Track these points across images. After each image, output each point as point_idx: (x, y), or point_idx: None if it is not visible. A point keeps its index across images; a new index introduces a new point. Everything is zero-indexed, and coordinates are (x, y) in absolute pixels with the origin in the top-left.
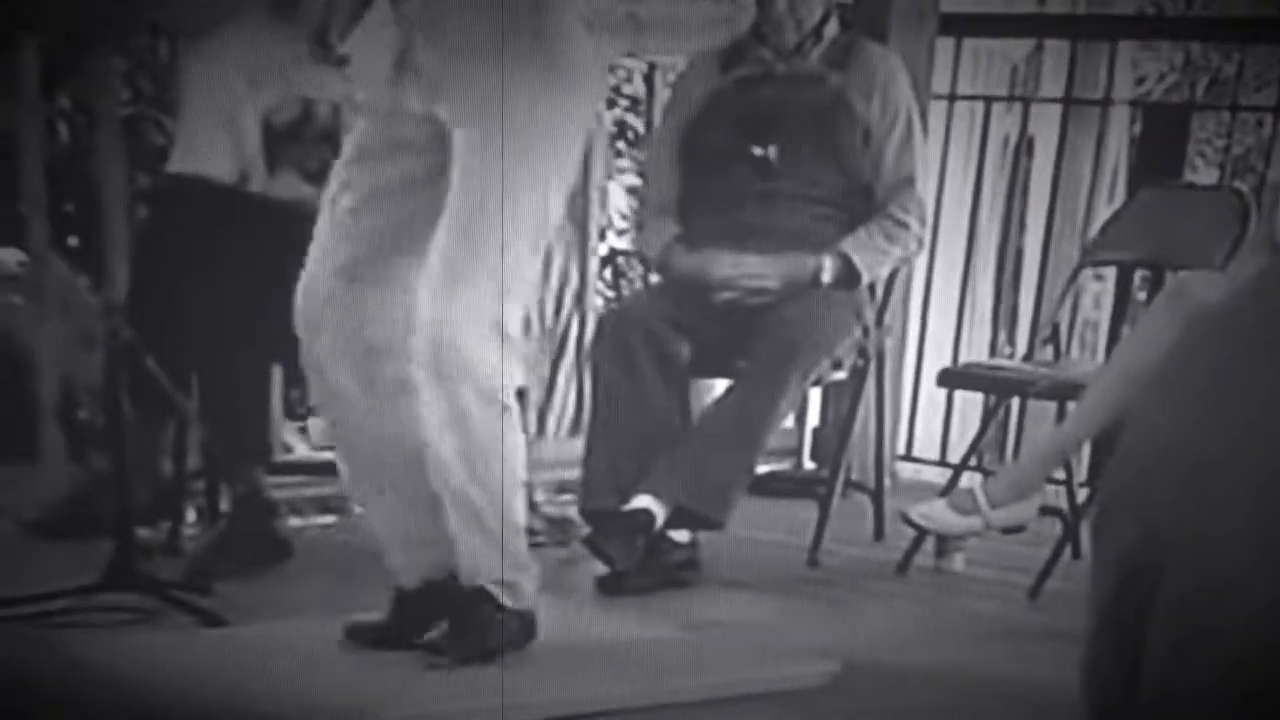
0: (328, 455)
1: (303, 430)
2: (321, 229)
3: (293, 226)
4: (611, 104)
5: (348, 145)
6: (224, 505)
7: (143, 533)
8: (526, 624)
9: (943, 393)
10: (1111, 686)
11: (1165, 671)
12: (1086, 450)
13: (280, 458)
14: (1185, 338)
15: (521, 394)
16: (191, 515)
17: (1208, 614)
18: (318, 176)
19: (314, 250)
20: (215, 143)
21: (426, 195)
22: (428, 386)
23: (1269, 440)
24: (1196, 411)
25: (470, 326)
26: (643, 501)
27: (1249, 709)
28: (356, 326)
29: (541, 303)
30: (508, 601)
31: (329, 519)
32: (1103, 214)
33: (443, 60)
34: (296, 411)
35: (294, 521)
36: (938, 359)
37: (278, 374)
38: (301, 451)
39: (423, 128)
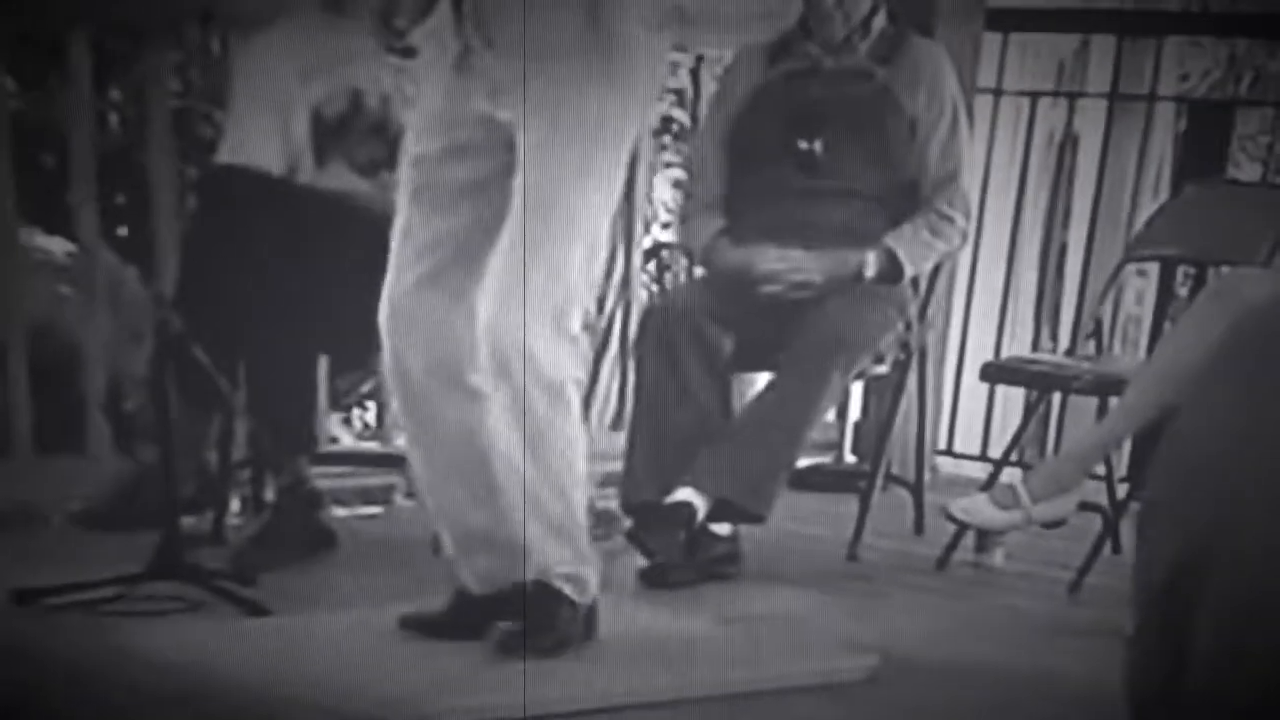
0: (372, 446)
1: (347, 421)
2: (396, 231)
3: (340, 218)
4: (657, 98)
5: (408, 148)
6: (269, 496)
7: (188, 523)
8: (588, 619)
9: (984, 387)
10: (1153, 683)
11: (1210, 672)
12: (1127, 446)
13: (325, 448)
14: (1230, 339)
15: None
16: (236, 505)
17: (1254, 616)
18: (367, 169)
19: (393, 253)
20: (264, 134)
21: (495, 197)
22: (492, 382)
23: None
24: (1242, 412)
25: (532, 323)
26: (684, 495)
27: None
28: (434, 330)
29: None
30: (574, 595)
31: (373, 510)
32: (1147, 210)
33: (504, 61)
34: (341, 403)
35: (338, 512)
36: (980, 353)
37: (323, 365)
38: (346, 442)
39: (487, 130)
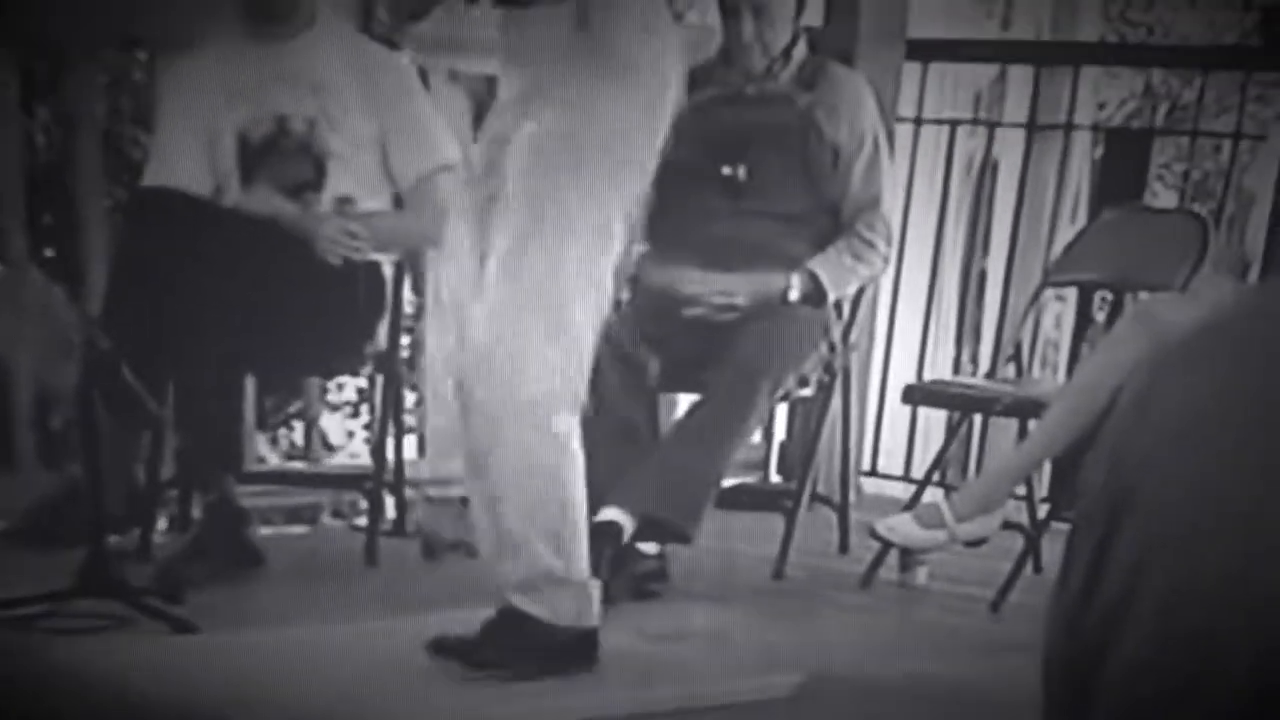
0: (298, 466)
1: (274, 441)
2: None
3: (266, 240)
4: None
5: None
6: (195, 513)
7: (114, 540)
8: (574, 645)
9: (907, 409)
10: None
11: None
12: (1048, 466)
13: (251, 468)
14: (1156, 364)
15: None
16: (163, 523)
17: (1178, 657)
18: (293, 191)
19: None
20: (190, 157)
21: (499, 183)
22: (477, 395)
23: (1250, 475)
24: (1171, 442)
25: (528, 339)
26: (610, 514)
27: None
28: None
29: None
30: (543, 616)
31: (299, 529)
32: (1065, 235)
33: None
34: (269, 422)
35: (264, 530)
36: (902, 376)
37: (250, 385)
38: (273, 461)
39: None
